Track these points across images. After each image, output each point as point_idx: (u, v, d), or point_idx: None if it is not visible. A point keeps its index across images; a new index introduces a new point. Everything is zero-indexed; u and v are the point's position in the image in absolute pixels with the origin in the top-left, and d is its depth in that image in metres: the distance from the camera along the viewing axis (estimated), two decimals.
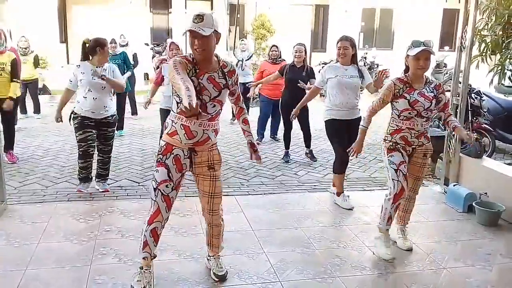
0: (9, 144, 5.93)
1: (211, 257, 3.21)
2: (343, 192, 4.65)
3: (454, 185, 4.77)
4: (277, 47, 7.37)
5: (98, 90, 4.54)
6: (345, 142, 4.60)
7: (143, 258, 2.95)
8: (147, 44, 14.45)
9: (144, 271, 2.96)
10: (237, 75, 2.93)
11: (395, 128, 3.51)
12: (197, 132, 2.77)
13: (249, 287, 3.07)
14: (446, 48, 16.25)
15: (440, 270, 3.36)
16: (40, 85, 11.37)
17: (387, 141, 3.55)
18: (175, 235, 3.79)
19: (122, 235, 3.76)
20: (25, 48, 8.55)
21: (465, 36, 4.73)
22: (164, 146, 2.83)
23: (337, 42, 4.52)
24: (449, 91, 4.88)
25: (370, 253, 3.59)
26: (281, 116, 6.53)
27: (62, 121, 4.71)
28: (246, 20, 16.26)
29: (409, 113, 3.41)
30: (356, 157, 3.77)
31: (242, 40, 9.34)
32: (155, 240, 2.94)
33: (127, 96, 8.27)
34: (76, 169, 5.51)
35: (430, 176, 5.86)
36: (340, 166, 4.70)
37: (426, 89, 3.45)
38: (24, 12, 13.57)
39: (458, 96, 4.88)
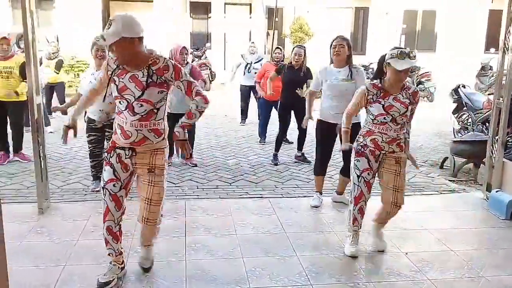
0: (18, 145, 6.12)
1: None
2: (319, 192, 4.69)
3: (496, 191, 4.59)
4: (280, 49, 7.40)
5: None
6: (328, 147, 4.60)
7: (108, 254, 3.05)
8: None
9: (112, 266, 3.06)
10: (175, 69, 2.76)
11: (367, 130, 3.46)
12: (131, 132, 2.76)
13: None
14: (492, 50, 15.67)
15: (478, 278, 3.24)
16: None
17: (358, 142, 3.51)
18: (208, 235, 3.83)
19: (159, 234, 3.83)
20: (53, 53, 8.80)
21: (508, 37, 4.56)
22: (110, 144, 2.91)
23: (332, 42, 4.41)
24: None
25: (405, 259, 3.51)
26: (278, 118, 6.41)
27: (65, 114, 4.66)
28: (284, 24, 16.26)
29: (384, 118, 3.34)
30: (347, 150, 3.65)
31: (252, 42, 9.30)
32: (114, 237, 2.98)
33: None
34: None
35: (472, 182, 5.68)
36: (317, 168, 4.70)
37: (402, 94, 3.35)
38: (70, 18, 14.11)
39: (501, 100, 4.70)
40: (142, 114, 2.74)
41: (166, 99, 2.85)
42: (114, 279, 3.00)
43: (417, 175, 5.86)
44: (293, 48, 6.25)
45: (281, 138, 6.43)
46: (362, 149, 3.45)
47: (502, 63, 4.70)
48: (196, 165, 5.98)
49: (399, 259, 3.50)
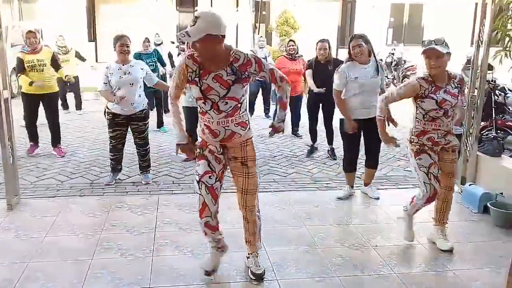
0: (56, 139, 6.17)
1: (250, 255, 3.17)
2: (351, 185, 4.74)
3: (470, 185, 4.60)
4: (294, 42, 7.28)
5: (127, 87, 4.70)
6: (356, 144, 4.59)
7: (209, 241, 3.09)
8: (173, 42, 14.60)
9: (214, 252, 3.12)
10: (257, 61, 2.79)
11: (420, 130, 3.41)
12: (219, 130, 2.78)
13: (246, 284, 3.06)
14: None
15: (445, 272, 3.25)
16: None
17: (413, 143, 3.45)
18: (179, 231, 3.81)
19: (127, 230, 3.80)
20: (64, 47, 8.79)
21: (482, 30, 4.55)
22: (201, 141, 2.92)
23: (349, 42, 4.40)
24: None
25: (374, 252, 3.51)
26: (307, 111, 6.44)
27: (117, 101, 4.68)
28: (271, 17, 16.19)
29: (437, 112, 3.31)
30: (396, 146, 3.79)
31: (261, 36, 9.26)
32: (213, 230, 3.00)
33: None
34: (92, 165, 5.68)
35: None
36: (348, 166, 4.68)
37: (451, 85, 3.34)
38: (54, 11, 13.94)
39: (475, 93, 4.70)
40: (228, 111, 2.76)
41: (247, 91, 2.90)
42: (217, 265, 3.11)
43: (394, 169, 5.87)
44: (317, 43, 6.09)
45: (313, 128, 6.45)
46: (420, 148, 3.40)
47: (477, 56, 4.69)
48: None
49: (368, 253, 3.50)
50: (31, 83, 5.73)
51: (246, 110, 2.94)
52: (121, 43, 4.73)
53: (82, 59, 9.15)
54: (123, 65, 4.74)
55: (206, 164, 2.86)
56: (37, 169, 5.53)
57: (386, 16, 17.00)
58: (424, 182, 3.40)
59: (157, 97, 7.68)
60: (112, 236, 3.67)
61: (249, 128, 2.92)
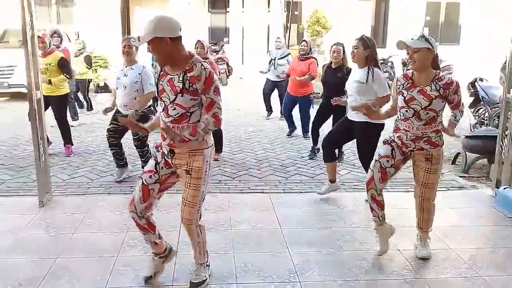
0: (66, 139, 6.28)
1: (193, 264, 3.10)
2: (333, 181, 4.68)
3: (504, 188, 4.43)
4: (307, 42, 7.14)
5: (121, 89, 4.87)
6: (335, 136, 4.62)
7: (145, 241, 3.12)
8: None
9: (152, 258, 3.11)
10: (206, 80, 2.61)
11: (395, 126, 3.37)
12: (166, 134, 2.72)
13: (267, 285, 3.03)
14: None
15: (475, 278, 3.13)
16: (101, 84, 11.99)
17: (389, 135, 3.44)
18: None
19: None
20: (79, 50, 9.04)
21: None
22: (159, 143, 2.91)
23: (332, 46, 4.44)
24: None
25: (400, 256, 3.41)
26: (316, 114, 6.10)
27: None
28: (303, 17, 16.09)
29: (406, 111, 3.20)
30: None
31: (278, 37, 9.19)
32: (142, 230, 3.00)
33: None
34: None
35: (484, 178, 5.49)
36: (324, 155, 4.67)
37: (430, 86, 3.13)
38: (90, 14, 14.30)
39: (511, 93, 4.52)
40: (175, 117, 2.70)
41: (201, 105, 2.70)
42: (158, 272, 3.07)
43: None
44: (331, 46, 5.75)
45: (315, 131, 6.18)
46: (390, 140, 3.38)
47: None
48: (217, 160, 5.93)
49: (394, 257, 3.41)
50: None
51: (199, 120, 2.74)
52: (124, 44, 4.86)
53: (88, 64, 9.13)
54: (126, 66, 4.87)
55: (153, 164, 2.86)
56: (69, 167, 5.67)
57: (421, 15, 16.58)
58: (369, 168, 3.41)
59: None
60: (138, 234, 3.64)
61: (202, 140, 2.73)
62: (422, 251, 3.42)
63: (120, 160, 5.16)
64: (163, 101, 2.73)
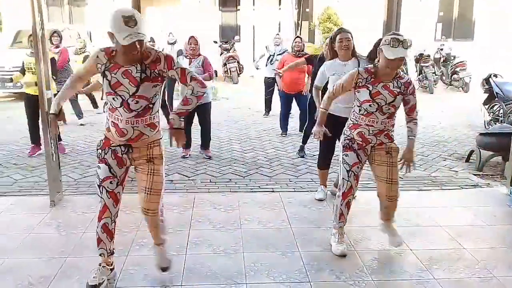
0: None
1: (156, 245, 3.14)
2: (324, 185, 4.62)
3: None
4: (301, 39, 7.16)
5: None
6: (333, 141, 4.33)
7: (100, 254, 2.94)
8: (215, 42, 14.75)
9: (102, 268, 2.94)
10: (166, 58, 2.68)
11: (353, 123, 3.31)
12: (127, 129, 2.68)
13: (277, 285, 3.00)
14: None
15: (489, 278, 3.06)
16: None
17: (345, 135, 3.38)
18: (212, 229, 3.80)
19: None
20: (80, 49, 9.10)
21: None
22: (103, 141, 2.81)
23: (336, 35, 4.21)
24: None
25: (413, 256, 3.36)
26: (308, 112, 6.03)
27: None
28: (314, 14, 15.99)
29: (370, 105, 3.18)
30: (319, 139, 3.64)
31: (277, 34, 9.14)
32: (109, 235, 2.91)
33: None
34: None
35: (499, 176, 5.40)
36: (322, 163, 4.58)
37: (393, 83, 3.18)
38: (102, 14, 14.38)
39: None
40: (139, 110, 2.67)
41: (160, 92, 2.78)
42: (104, 282, 2.88)
43: (440, 169, 5.64)
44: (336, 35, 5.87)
45: (309, 131, 6.22)
46: (350, 143, 3.32)
47: None
48: (210, 158, 5.98)
49: (406, 257, 3.36)
50: (10, 80, 5.96)
51: (158, 111, 2.82)
52: None
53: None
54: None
55: (107, 169, 2.77)
56: (81, 167, 5.70)
57: (434, 10, 16.36)
58: (343, 178, 3.33)
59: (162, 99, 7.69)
60: (147, 233, 3.64)
61: (158, 130, 2.81)
62: (396, 238, 3.44)
63: None
64: (120, 96, 2.64)
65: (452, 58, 13.28)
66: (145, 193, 2.87)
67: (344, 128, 3.42)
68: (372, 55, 3.32)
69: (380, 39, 3.24)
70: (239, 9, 16.17)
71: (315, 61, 5.85)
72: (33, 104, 6.03)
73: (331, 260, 3.31)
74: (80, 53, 9.10)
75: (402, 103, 3.25)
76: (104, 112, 9.07)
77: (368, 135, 3.25)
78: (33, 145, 6.25)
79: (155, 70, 2.67)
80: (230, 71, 14.08)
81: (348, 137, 3.34)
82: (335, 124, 4.05)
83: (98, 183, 2.83)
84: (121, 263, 3.25)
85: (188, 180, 5.20)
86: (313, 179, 5.27)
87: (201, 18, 14.94)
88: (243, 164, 5.82)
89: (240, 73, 14.29)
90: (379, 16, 16.23)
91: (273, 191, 4.81)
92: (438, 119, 8.54)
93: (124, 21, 2.48)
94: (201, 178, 5.27)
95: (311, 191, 4.85)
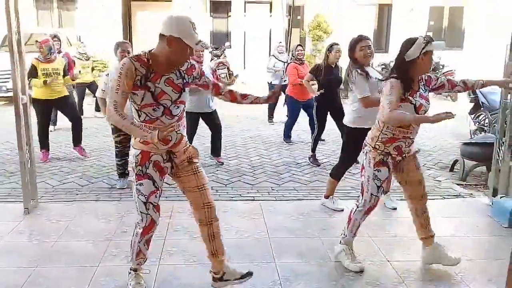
0: (77, 138, 6.32)
1: (216, 273, 2.97)
2: (332, 195, 4.50)
3: (501, 197, 4.31)
4: (302, 46, 7.24)
5: None
6: (357, 154, 4.27)
7: (138, 264, 2.95)
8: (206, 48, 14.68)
9: (139, 274, 2.97)
10: (199, 67, 2.78)
11: (389, 137, 3.11)
12: (171, 136, 2.64)
13: None
14: None
15: None
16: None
17: (378, 151, 3.14)
18: (188, 239, 3.73)
19: None
20: (84, 54, 9.05)
21: None
22: (140, 155, 2.66)
23: (357, 42, 4.10)
24: None
25: (390, 268, 3.31)
26: (316, 119, 6.16)
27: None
28: (306, 22, 16.01)
29: None
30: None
31: (280, 42, 9.15)
32: (148, 246, 2.93)
33: None
34: (114, 169, 5.71)
35: (482, 186, 5.37)
36: (340, 174, 4.52)
37: (422, 88, 3.10)
38: (92, 18, 14.30)
39: (509, 98, 4.41)
40: (179, 114, 2.69)
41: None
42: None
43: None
44: (333, 46, 5.89)
45: (318, 139, 6.29)
46: (385, 158, 3.13)
47: (511, 59, 4.40)
48: (222, 164, 6.02)
49: (383, 268, 3.31)
50: (44, 82, 5.84)
51: None
52: (122, 49, 4.80)
53: (92, 69, 9.36)
54: None
55: (151, 184, 2.68)
56: (60, 173, 5.61)
57: (424, 19, 16.45)
58: (371, 194, 3.20)
59: None
60: (122, 243, 3.62)
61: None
62: (455, 259, 3.30)
63: (126, 168, 5.05)
64: (162, 104, 2.58)
65: (441, 67, 13.33)
66: (198, 190, 2.81)
67: (374, 143, 3.17)
68: (403, 73, 3.03)
69: (404, 51, 3.01)
70: (230, 16, 16.15)
71: (321, 71, 5.91)
72: (41, 110, 6.03)
73: (306, 272, 3.24)
74: (87, 59, 9.04)
75: (439, 89, 3.23)
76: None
77: (405, 147, 3.14)
78: (43, 150, 6.19)
79: (191, 76, 2.72)
80: (219, 78, 14.01)
81: (383, 152, 3.14)
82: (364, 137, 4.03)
83: (143, 201, 2.71)
84: (92, 273, 3.17)
85: (169, 187, 5.11)
86: (295, 187, 5.21)
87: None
88: (226, 172, 5.75)
89: (231, 81, 14.20)
90: (370, 25, 16.31)
91: (254, 200, 4.74)
92: (423, 128, 8.52)
93: (193, 26, 2.51)
94: None
95: (292, 200, 4.79)
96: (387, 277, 3.20)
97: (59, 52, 7.59)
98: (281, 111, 8.61)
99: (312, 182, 5.42)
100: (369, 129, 4.04)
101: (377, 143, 3.16)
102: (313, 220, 4.17)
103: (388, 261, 3.41)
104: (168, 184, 5.16)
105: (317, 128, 6.18)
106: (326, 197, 4.49)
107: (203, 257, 3.37)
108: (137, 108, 2.60)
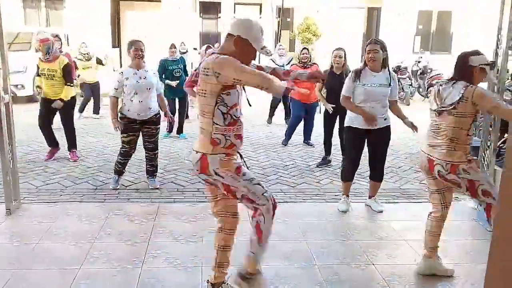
0: (70, 143, 6.20)
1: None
2: (346, 195, 4.58)
3: None
4: (307, 50, 7.17)
5: (144, 92, 4.71)
6: (357, 154, 4.44)
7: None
8: (195, 49, 14.65)
9: None
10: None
11: (469, 144, 3.07)
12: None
13: None
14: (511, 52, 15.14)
15: None
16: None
17: (463, 162, 3.02)
18: (172, 241, 3.69)
19: (120, 239, 3.71)
20: (87, 54, 8.99)
21: (500, 38, 4.30)
22: (227, 157, 2.62)
23: (366, 46, 4.21)
24: None
25: (375, 271, 3.30)
26: (323, 122, 6.28)
27: (120, 129, 4.79)
28: (295, 24, 16.05)
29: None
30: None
31: (280, 44, 9.15)
32: None
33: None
34: (99, 170, 5.65)
35: None
36: (349, 175, 4.55)
37: None
38: (80, 18, 14.18)
39: None
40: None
41: None
42: None
43: (409, 182, 5.61)
44: (333, 51, 5.98)
45: (328, 141, 6.32)
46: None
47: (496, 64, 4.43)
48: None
49: (367, 272, 3.29)
50: (37, 87, 5.77)
51: None
52: (136, 47, 4.70)
53: (102, 63, 9.35)
54: (138, 70, 4.73)
55: (247, 169, 2.71)
56: (45, 174, 5.53)
57: (413, 23, 16.61)
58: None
59: (180, 102, 7.65)
60: (104, 245, 3.58)
61: None
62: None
63: (124, 168, 5.05)
64: (239, 105, 2.62)
65: (429, 70, 13.44)
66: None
67: (461, 153, 3.04)
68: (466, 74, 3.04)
69: (469, 58, 3.05)
70: (220, 17, 16.15)
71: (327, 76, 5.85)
72: (45, 107, 5.95)
73: (291, 275, 3.22)
74: (88, 59, 8.96)
75: None
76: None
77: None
78: (50, 148, 6.14)
79: None
80: None
81: (468, 158, 3.06)
82: (362, 137, 4.33)
83: (256, 182, 2.70)
84: (73, 276, 3.11)
85: (155, 189, 5.07)
86: (283, 189, 5.19)
87: (181, 25, 14.85)
88: None
89: None
90: (359, 28, 16.42)
91: (240, 201, 4.69)
92: (411, 132, 8.56)
93: (262, 32, 2.56)
94: (168, 187, 5.15)
95: (279, 202, 4.74)
96: (372, 280, 3.19)
97: (61, 52, 7.58)
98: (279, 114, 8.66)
99: (299, 184, 5.41)
100: (365, 130, 4.14)
101: (465, 154, 3.06)
102: (299, 223, 4.15)
103: (373, 264, 3.40)
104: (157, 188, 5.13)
105: (324, 132, 6.29)
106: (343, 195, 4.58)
107: (187, 260, 3.38)
108: (225, 111, 2.54)
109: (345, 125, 4.44)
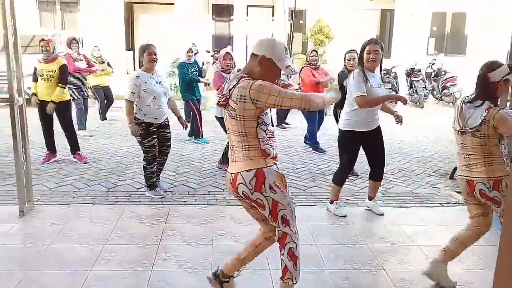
0: (73, 146, 6.23)
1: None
2: (337, 200, 4.50)
3: None
4: (316, 52, 7.21)
5: (161, 96, 4.71)
6: (354, 158, 4.44)
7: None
8: (208, 51, 14.70)
9: None
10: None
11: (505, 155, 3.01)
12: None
13: None
14: None
15: None
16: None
17: (505, 175, 2.93)
18: (182, 244, 3.70)
19: (131, 241, 3.73)
20: (99, 57, 9.04)
21: None
22: (272, 181, 2.62)
23: (365, 46, 4.15)
24: None
25: (385, 277, 3.27)
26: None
27: (137, 134, 4.66)
28: (308, 26, 16.02)
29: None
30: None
31: (285, 47, 9.18)
32: None
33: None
34: (112, 172, 5.69)
35: None
36: (341, 180, 4.51)
37: None
38: (94, 20, 14.32)
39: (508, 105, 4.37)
40: None
41: None
42: None
43: (422, 186, 5.55)
44: (345, 54, 5.96)
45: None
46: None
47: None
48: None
49: (378, 277, 3.27)
50: (33, 94, 5.88)
51: None
52: (149, 52, 4.61)
53: (111, 67, 9.35)
54: (153, 74, 4.67)
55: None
56: (58, 175, 5.59)
57: (427, 25, 16.44)
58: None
59: (195, 108, 7.65)
60: (115, 247, 3.60)
61: None
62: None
63: (155, 175, 4.92)
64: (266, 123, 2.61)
65: (443, 73, 13.28)
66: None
67: (487, 165, 2.95)
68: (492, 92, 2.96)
69: (488, 73, 3.00)
70: (232, 19, 16.18)
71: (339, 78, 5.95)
72: (40, 111, 5.99)
73: (301, 280, 3.17)
74: (102, 62, 9.04)
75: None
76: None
77: None
78: (48, 151, 6.20)
79: None
80: None
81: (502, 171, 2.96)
82: (361, 140, 4.31)
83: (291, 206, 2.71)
84: (84, 278, 3.14)
85: (166, 190, 5.09)
86: (293, 193, 5.15)
87: (194, 27, 14.92)
88: (224, 176, 5.71)
89: None
90: (372, 30, 16.31)
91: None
92: (425, 135, 8.49)
93: (286, 51, 2.61)
94: (180, 189, 5.17)
95: None
96: (383, 286, 3.17)
97: (78, 54, 7.73)
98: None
99: (310, 188, 5.39)
100: (361, 132, 4.11)
101: (489, 167, 2.98)
102: (309, 227, 4.12)
103: (384, 269, 3.38)
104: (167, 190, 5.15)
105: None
106: (331, 202, 4.50)
107: (197, 263, 3.38)
108: (265, 129, 2.58)
109: (341, 128, 4.33)
